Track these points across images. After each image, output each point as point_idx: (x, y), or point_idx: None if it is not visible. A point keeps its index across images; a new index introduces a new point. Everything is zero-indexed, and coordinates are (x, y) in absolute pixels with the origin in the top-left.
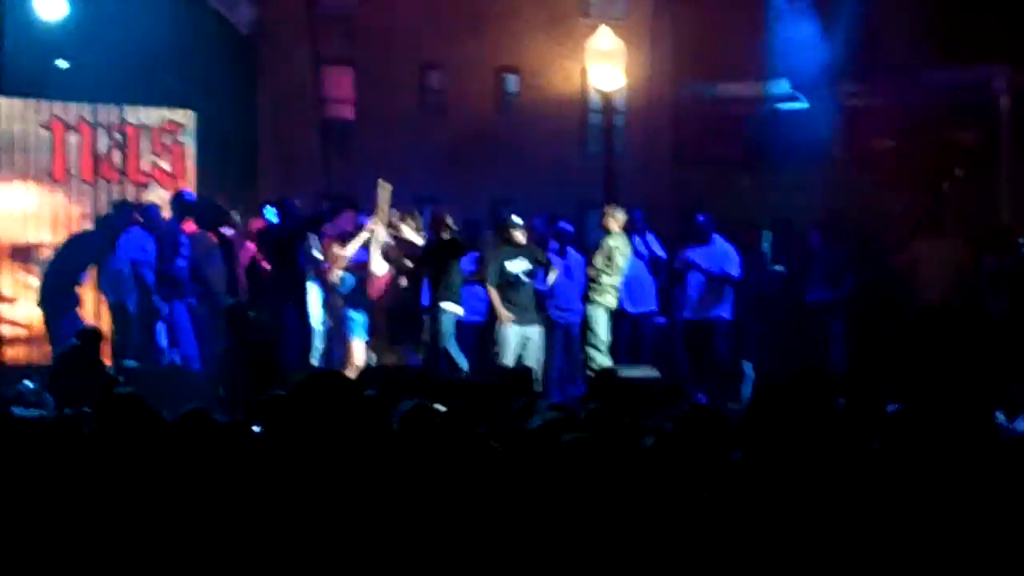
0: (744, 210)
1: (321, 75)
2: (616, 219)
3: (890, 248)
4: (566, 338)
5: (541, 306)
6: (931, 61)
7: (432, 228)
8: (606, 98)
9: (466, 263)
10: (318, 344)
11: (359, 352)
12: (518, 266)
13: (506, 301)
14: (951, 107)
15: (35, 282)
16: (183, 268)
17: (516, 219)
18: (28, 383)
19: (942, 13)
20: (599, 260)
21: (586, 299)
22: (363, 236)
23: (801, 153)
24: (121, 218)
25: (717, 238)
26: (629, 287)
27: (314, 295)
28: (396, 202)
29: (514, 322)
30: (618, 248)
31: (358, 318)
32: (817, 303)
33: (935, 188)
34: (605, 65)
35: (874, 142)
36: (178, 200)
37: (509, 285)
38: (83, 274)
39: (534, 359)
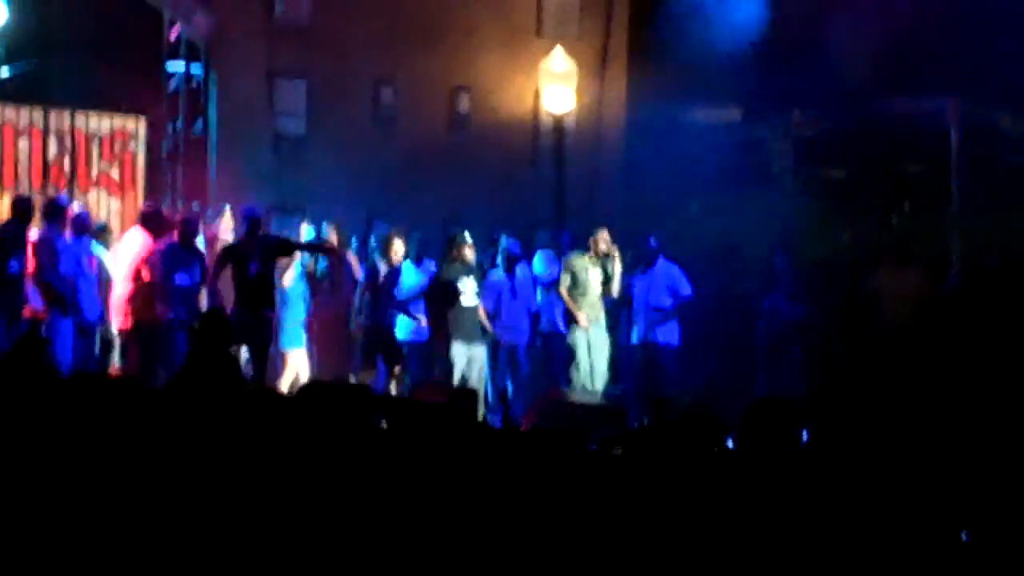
0: (693, 234)
1: (274, 87)
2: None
3: (843, 276)
4: (510, 357)
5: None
6: (883, 90)
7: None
8: (557, 119)
9: (417, 280)
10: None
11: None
12: (466, 284)
13: (452, 317)
14: (902, 137)
15: None
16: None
17: (466, 236)
18: None
19: (894, 43)
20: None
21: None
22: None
23: (752, 179)
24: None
25: (662, 262)
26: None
27: None
28: (348, 218)
29: (459, 340)
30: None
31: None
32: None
33: (884, 219)
34: (558, 86)
35: (825, 170)
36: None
37: (454, 301)
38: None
39: (478, 378)
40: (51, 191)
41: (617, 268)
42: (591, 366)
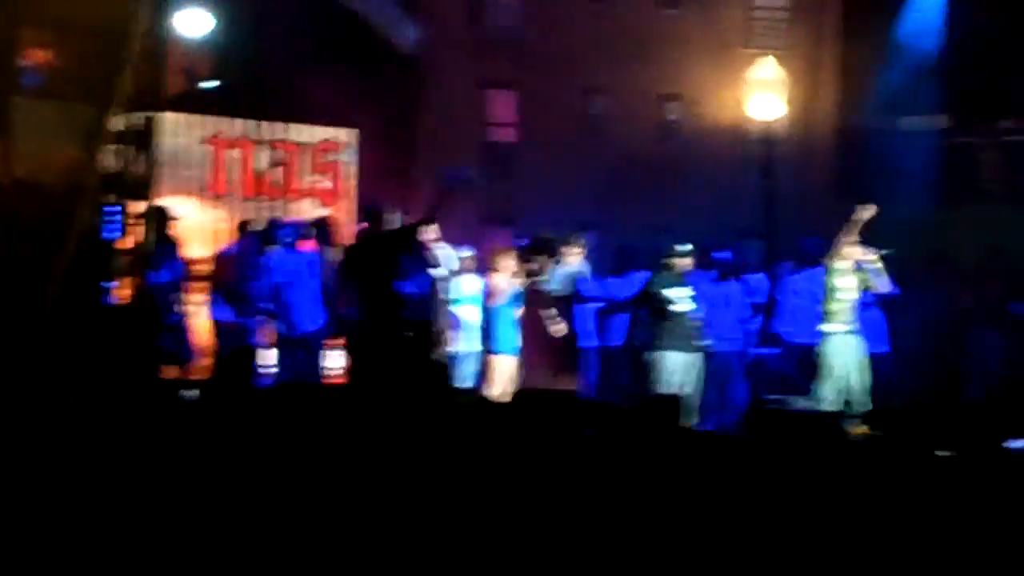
0: (903, 243)
1: (483, 97)
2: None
3: None
4: (721, 367)
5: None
6: None
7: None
8: (767, 128)
9: (623, 287)
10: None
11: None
12: (677, 293)
13: (666, 326)
14: None
15: None
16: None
17: (681, 246)
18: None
19: None
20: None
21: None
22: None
23: (964, 187)
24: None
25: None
26: (796, 317)
27: None
28: (554, 226)
29: (674, 348)
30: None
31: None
32: None
33: None
34: (766, 95)
35: None
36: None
37: (667, 311)
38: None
39: (692, 386)
40: (261, 201)
41: (874, 269)
42: (850, 377)
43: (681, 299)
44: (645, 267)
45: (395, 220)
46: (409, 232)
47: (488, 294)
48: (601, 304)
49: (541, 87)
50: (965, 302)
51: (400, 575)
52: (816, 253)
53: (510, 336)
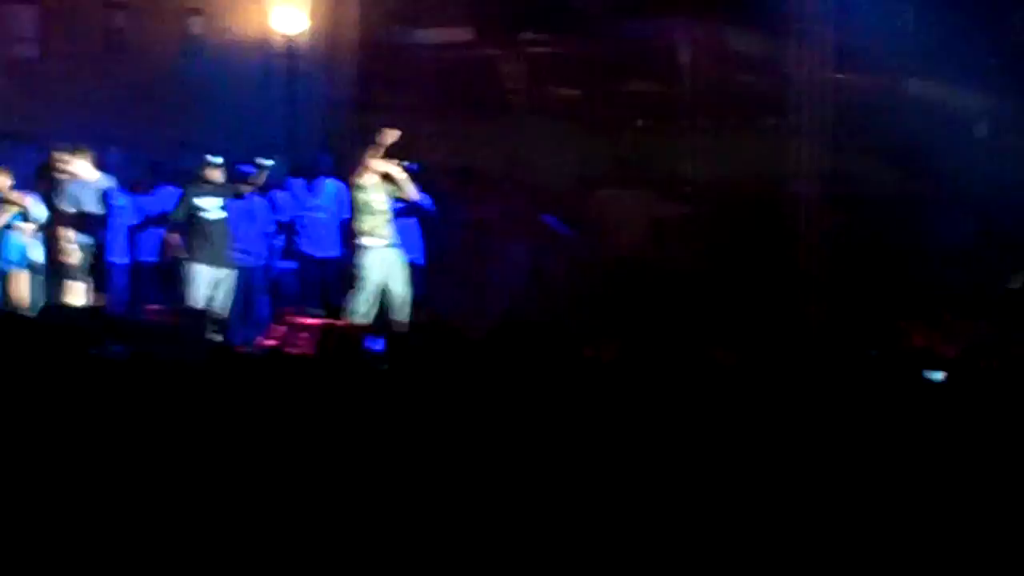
0: (426, 156)
1: (4, 12)
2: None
3: (573, 198)
4: (245, 281)
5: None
6: (614, 11)
7: None
8: (289, 41)
9: (153, 203)
10: None
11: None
12: (210, 203)
13: (197, 240)
14: (633, 58)
15: None
16: None
17: (213, 158)
18: None
19: None
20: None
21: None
22: None
23: (485, 100)
24: None
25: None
26: (314, 232)
27: None
28: (76, 143)
29: (204, 262)
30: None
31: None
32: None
33: (617, 138)
34: (288, 8)
35: (557, 92)
36: None
37: (200, 224)
38: None
39: (223, 301)
40: None
41: (402, 177)
42: (390, 290)
43: (212, 210)
44: (173, 182)
45: None
46: None
47: None
48: (130, 220)
49: (62, 1)
50: (490, 214)
51: None
52: (333, 168)
53: (15, 253)
